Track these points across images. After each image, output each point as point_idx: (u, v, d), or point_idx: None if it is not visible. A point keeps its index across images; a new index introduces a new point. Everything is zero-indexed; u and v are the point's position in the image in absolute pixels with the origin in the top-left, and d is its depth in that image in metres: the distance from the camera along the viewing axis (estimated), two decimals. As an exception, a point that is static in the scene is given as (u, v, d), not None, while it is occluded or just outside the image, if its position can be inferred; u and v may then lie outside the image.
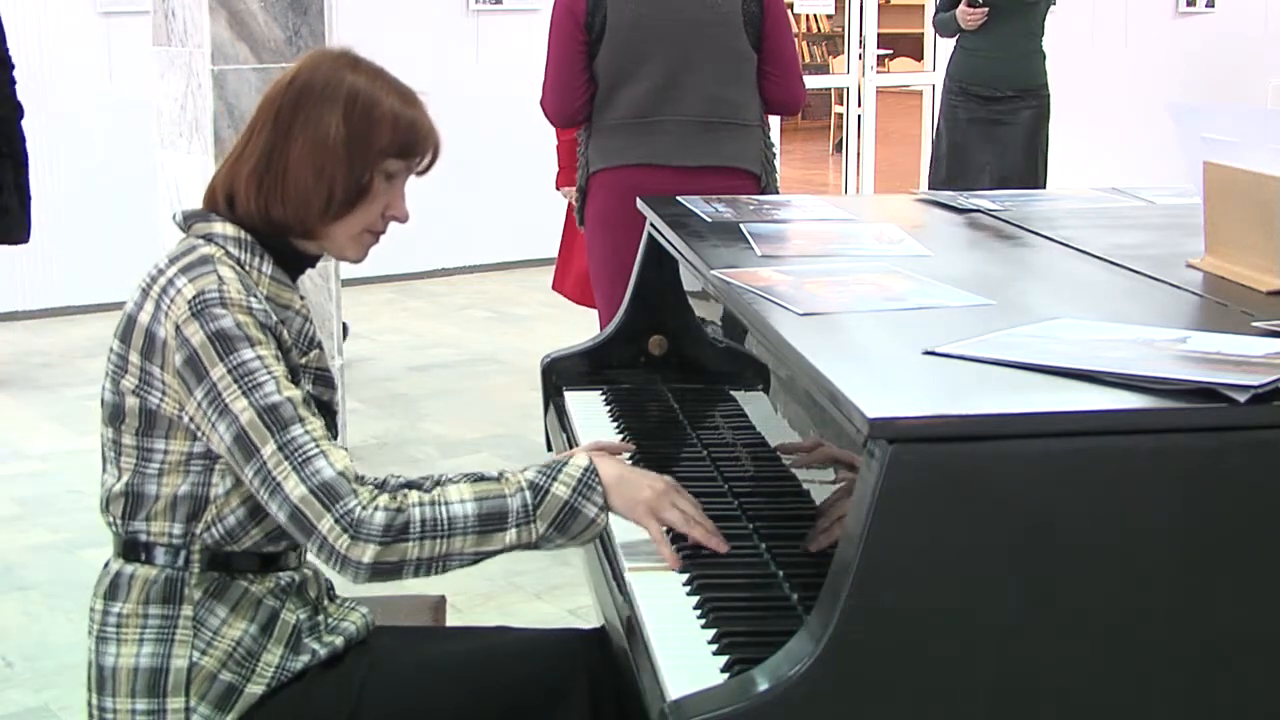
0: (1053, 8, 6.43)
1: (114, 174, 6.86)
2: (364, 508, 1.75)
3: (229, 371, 1.79)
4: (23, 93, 6.99)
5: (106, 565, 1.95)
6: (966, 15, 6.25)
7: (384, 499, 1.77)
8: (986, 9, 6.22)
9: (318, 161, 1.91)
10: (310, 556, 1.78)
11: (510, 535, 1.82)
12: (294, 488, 1.76)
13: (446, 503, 1.80)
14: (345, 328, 6.04)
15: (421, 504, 1.79)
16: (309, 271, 2.04)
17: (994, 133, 6.32)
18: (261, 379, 1.80)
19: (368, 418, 5.35)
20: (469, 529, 1.80)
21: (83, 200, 7.01)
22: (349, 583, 1.83)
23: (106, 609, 1.91)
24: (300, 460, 1.77)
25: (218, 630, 1.89)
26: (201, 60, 4.34)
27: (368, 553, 1.75)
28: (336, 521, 1.74)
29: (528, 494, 1.83)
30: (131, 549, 1.92)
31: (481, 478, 1.86)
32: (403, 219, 1.99)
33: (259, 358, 1.81)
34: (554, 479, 1.85)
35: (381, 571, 1.77)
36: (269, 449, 1.77)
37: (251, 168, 1.93)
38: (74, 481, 4.60)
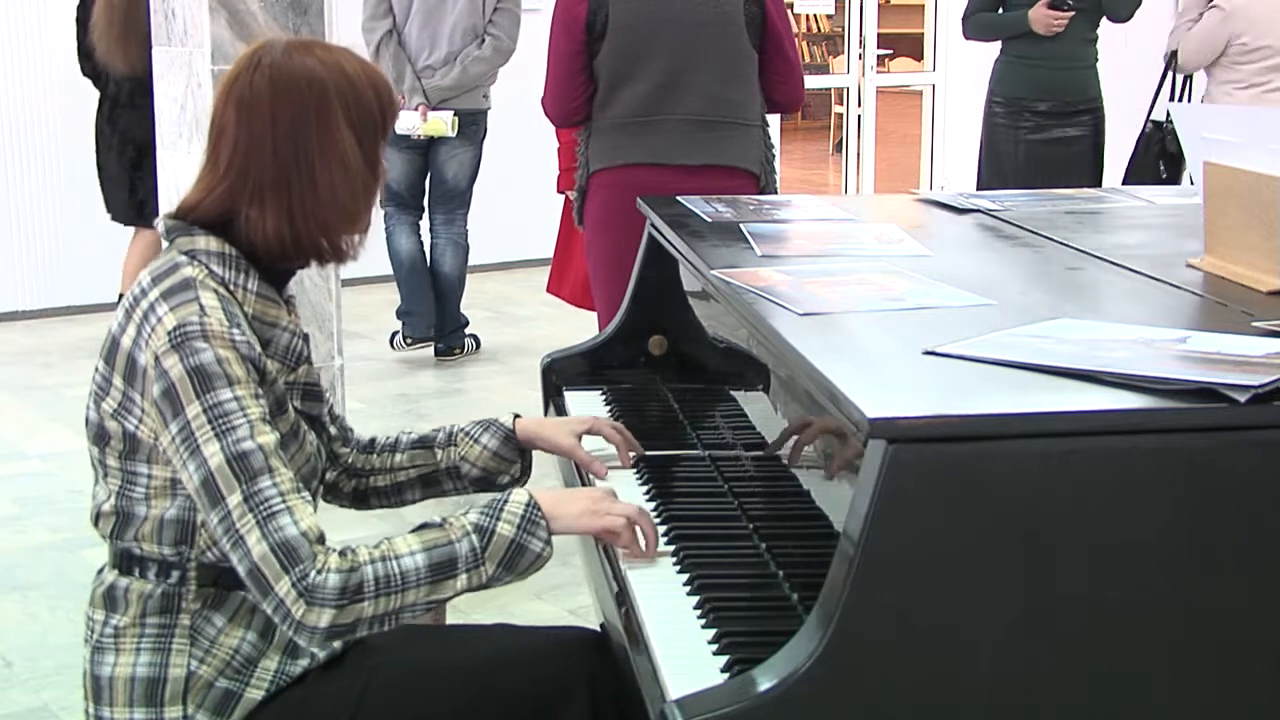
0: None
1: (114, 174, 6.85)
2: (319, 572, 1.71)
3: (204, 411, 1.75)
4: (22, 93, 7.01)
5: (100, 573, 1.95)
6: (1050, 18, 5.42)
7: (335, 560, 1.73)
8: (1074, 12, 5.44)
9: (350, 182, 1.88)
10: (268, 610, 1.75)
11: (461, 580, 1.79)
12: (256, 543, 1.72)
13: (397, 556, 1.76)
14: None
15: (373, 561, 1.75)
16: (309, 271, 2.02)
17: (1059, 151, 5.58)
18: (236, 422, 1.75)
19: (368, 418, 5.35)
20: (421, 580, 1.77)
21: (83, 200, 7.01)
22: (303, 645, 1.82)
23: (106, 620, 1.90)
24: (265, 515, 1.73)
25: (215, 639, 1.88)
26: (201, 60, 4.33)
27: (324, 618, 1.71)
28: (293, 585, 1.71)
29: (474, 537, 1.81)
30: (126, 562, 1.91)
31: (426, 525, 1.83)
32: (386, 170, 1.99)
33: (236, 398, 1.76)
34: (498, 519, 1.83)
35: (337, 633, 1.74)
36: (235, 499, 1.73)
37: (268, 198, 1.86)
38: (74, 481, 4.60)
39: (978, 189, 5.71)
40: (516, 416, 2.23)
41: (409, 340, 6.21)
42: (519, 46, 6.10)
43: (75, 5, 5.90)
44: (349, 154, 1.88)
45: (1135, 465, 1.51)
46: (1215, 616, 1.52)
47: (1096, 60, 5.64)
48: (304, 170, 1.86)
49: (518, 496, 1.86)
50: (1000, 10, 5.66)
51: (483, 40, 5.97)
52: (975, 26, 5.77)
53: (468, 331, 6.34)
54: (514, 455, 2.21)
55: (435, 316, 6.22)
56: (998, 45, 5.80)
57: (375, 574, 1.74)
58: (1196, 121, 2.40)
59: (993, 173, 5.69)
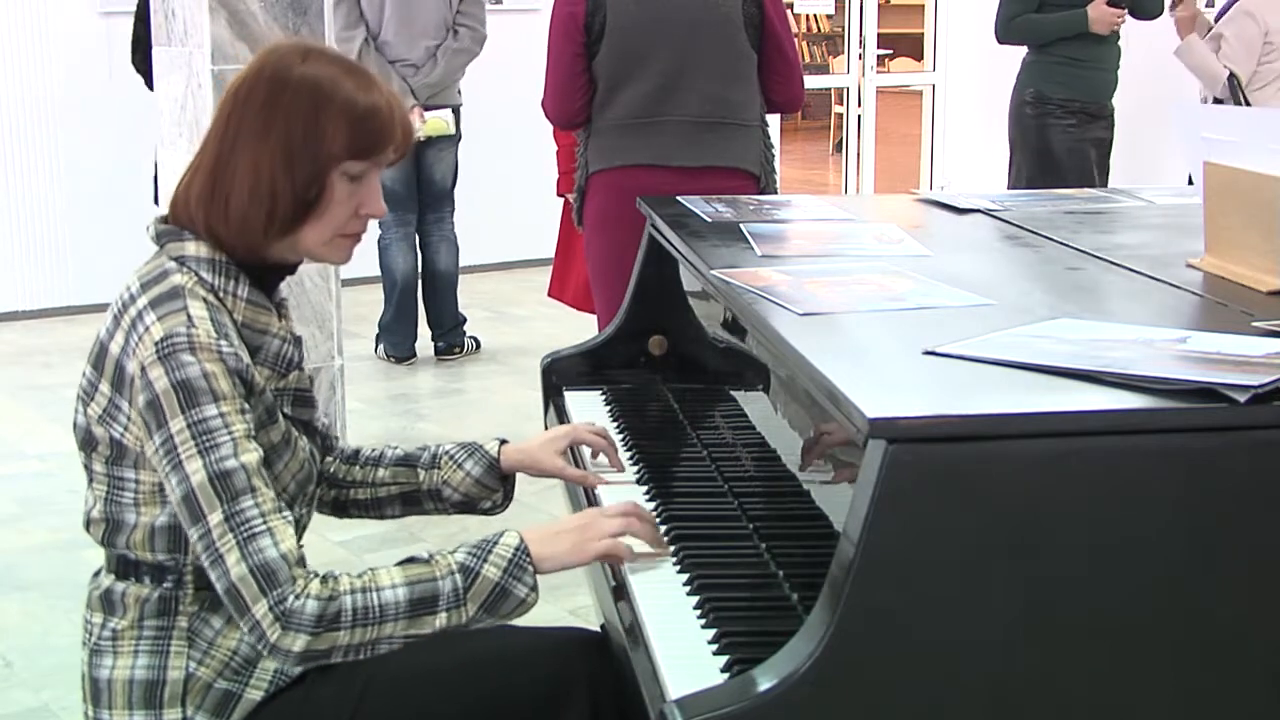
0: None
1: (114, 174, 6.86)
2: (297, 597, 1.70)
3: (188, 426, 1.74)
4: (22, 93, 7.01)
5: (97, 576, 1.94)
6: (1113, 16, 5.37)
7: (315, 586, 1.72)
8: (1127, 10, 5.40)
9: (256, 177, 1.82)
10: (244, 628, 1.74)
11: (441, 619, 1.77)
12: (234, 564, 1.71)
13: (378, 589, 1.75)
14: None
15: (353, 591, 1.73)
16: (309, 271, 2.01)
17: (1098, 152, 5.57)
18: (220, 439, 1.74)
19: (368, 418, 5.35)
20: (400, 615, 1.75)
21: (83, 200, 7.02)
22: (276, 665, 1.81)
23: (104, 623, 1.90)
24: (245, 536, 1.72)
25: (213, 640, 1.88)
26: (201, 60, 4.33)
27: (298, 642, 1.70)
28: (270, 609, 1.70)
29: (458, 577, 1.78)
30: (122, 567, 1.90)
31: (412, 560, 1.81)
32: (379, 215, 1.91)
33: (221, 415, 1.75)
34: (485, 560, 1.80)
35: (310, 659, 1.73)
36: (215, 518, 1.72)
37: (199, 189, 1.86)
38: (74, 481, 4.56)
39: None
40: (503, 442, 2.21)
41: (391, 357, 6.22)
42: (517, 47, 6.11)
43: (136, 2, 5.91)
44: (264, 162, 1.83)
45: (1135, 465, 1.51)
46: (1215, 616, 1.52)
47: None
48: (226, 160, 1.84)
49: (508, 539, 1.83)
50: (1040, 10, 5.48)
51: (455, 32, 5.99)
52: (1019, 30, 5.55)
53: (468, 333, 6.35)
54: (496, 484, 2.19)
55: (434, 315, 6.23)
56: (1009, 45, 5.72)
57: (354, 604, 1.73)
58: (1196, 121, 2.40)
59: (1045, 177, 5.43)
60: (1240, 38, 5.61)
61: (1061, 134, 5.51)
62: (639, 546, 1.91)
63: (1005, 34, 5.65)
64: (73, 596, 3.69)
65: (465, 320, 6.33)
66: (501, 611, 1.81)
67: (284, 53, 1.88)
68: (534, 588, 1.82)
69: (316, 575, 1.74)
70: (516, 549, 1.82)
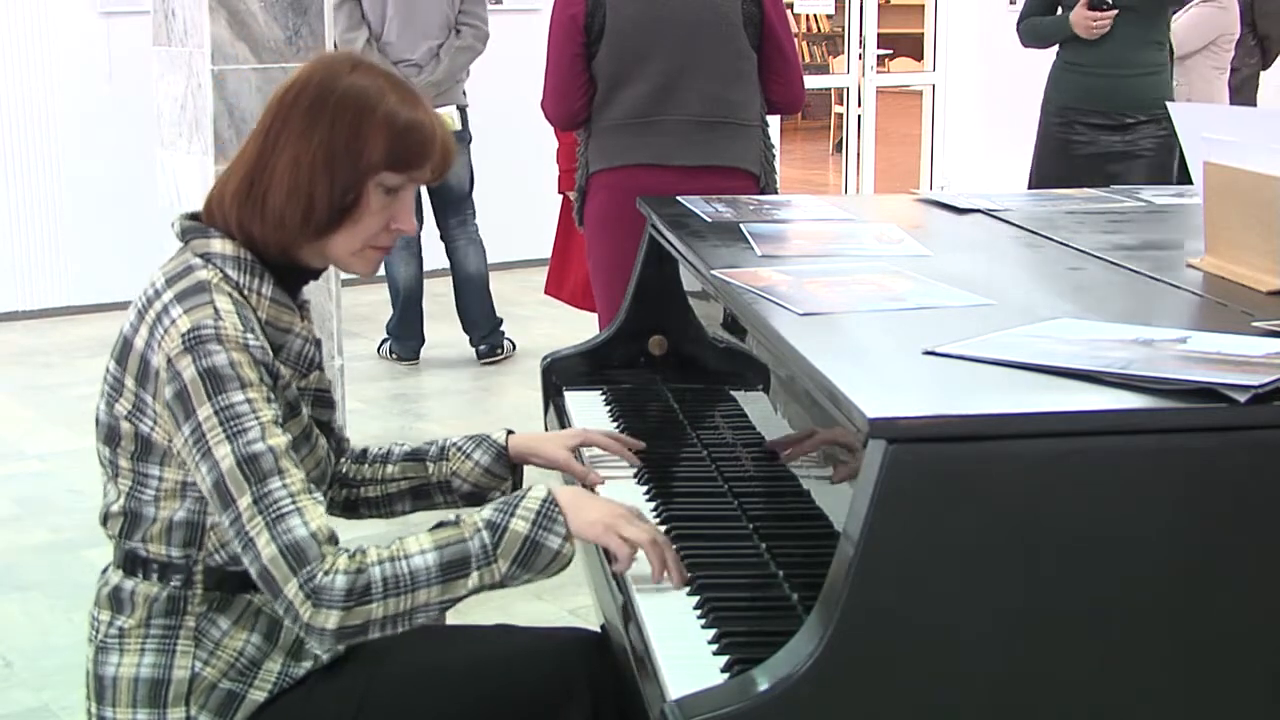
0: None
1: (114, 174, 6.86)
2: (326, 573, 1.70)
3: (216, 413, 1.75)
4: (22, 93, 7.01)
5: (105, 573, 1.94)
6: (1091, 20, 4.91)
7: (343, 561, 1.71)
8: (1115, 11, 4.90)
9: (296, 177, 1.84)
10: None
11: (473, 579, 1.76)
12: (265, 545, 1.71)
13: (406, 556, 1.74)
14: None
15: (381, 561, 1.73)
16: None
17: (1117, 166, 4.98)
18: (247, 424, 1.75)
19: (368, 418, 5.35)
20: (432, 580, 1.74)
21: (83, 200, 7.02)
22: (314, 646, 1.80)
23: (112, 620, 1.90)
24: (274, 517, 1.72)
25: (220, 641, 1.88)
26: (201, 60, 4.33)
27: (331, 619, 1.70)
28: (300, 587, 1.69)
29: (486, 534, 1.77)
30: (131, 563, 1.90)
31: (441, 524, 1.80)
32: (409, 231, 1.93)
33: (248, 400, 1.76)
34: (511, 515, 1.79)
35: (347, 635, 1.72)
36: (245, 501, 1.72)
37: (235, 186, 1.88)
38: (74, 481, 4.60)
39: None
40: (510, 432, 2.22)
41: (396, 357, 6.22)
42: (516, 47, 6.10)
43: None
44: (304, 163, 1.84)
45: (1135, 465, 1.51)
46: (1215, 616, 1.52)
47: (1162, 67, 5.05)
48: (268, 160, 1.86)
49: (535, 492, 1.82)
50: (1059, 11, 5.14)
51: (458, 30, 5.98)
52: (1024, 33, 5.28)
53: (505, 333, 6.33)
54: (505, 472, 2.20)
55: (471, 318, 6.20)
56: (1020, 46, 5.51)
57: (383, 574, 1.72)
58: (1196, 121, 2.40)
59: (1042, 184, 5.06)
60: (1200, 17, 5.92)
61: (1067, 142, 5.16)
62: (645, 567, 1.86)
63: (1020, 37, 5.38)
64: (73, 596, 3.70)
65: (502, 321, 6.30)
66: (537, 566, 1.79)
67: (333, 62, 1.91)
68: (567, 538, 1.80)
69: (345, 551, 1.73)
70: (544, 501, 1.81)
